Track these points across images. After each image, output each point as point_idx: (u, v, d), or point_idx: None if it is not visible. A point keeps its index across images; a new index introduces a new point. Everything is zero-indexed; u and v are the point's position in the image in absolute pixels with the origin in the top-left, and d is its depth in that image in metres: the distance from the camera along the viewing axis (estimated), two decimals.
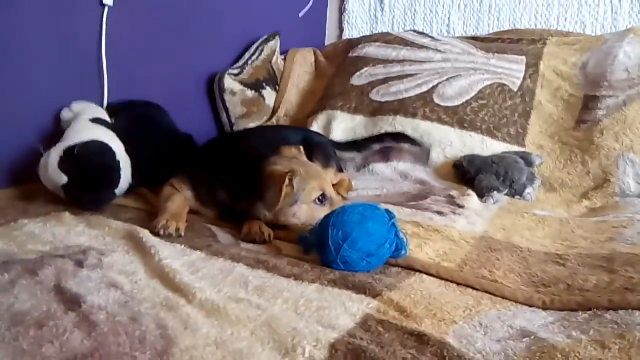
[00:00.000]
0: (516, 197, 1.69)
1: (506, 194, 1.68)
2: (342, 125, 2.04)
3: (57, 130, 1.51)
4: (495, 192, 1.64)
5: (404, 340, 0.80)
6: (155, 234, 1.15)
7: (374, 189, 1.71)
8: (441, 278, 1.05)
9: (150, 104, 1.70)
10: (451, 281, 1.04)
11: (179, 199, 1.32)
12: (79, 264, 0.97)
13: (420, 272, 1.07)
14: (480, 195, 1.63)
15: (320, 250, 1.05)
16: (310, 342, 0.77)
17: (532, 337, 0.84)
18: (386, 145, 1.93)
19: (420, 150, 1.87)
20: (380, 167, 1.93)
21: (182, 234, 1.19)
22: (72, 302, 0.83)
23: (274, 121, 2.19)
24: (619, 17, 2.34)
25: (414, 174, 1.88)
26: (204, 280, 0.96)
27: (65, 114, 1.56)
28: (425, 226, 1.31)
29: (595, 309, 0.92)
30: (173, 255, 1.04)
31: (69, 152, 1.25)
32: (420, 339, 0.81)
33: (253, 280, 0.97)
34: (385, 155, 1.94)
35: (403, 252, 1.10)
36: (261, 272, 1.02)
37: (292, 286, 0.96)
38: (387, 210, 1.11)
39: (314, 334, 0.80)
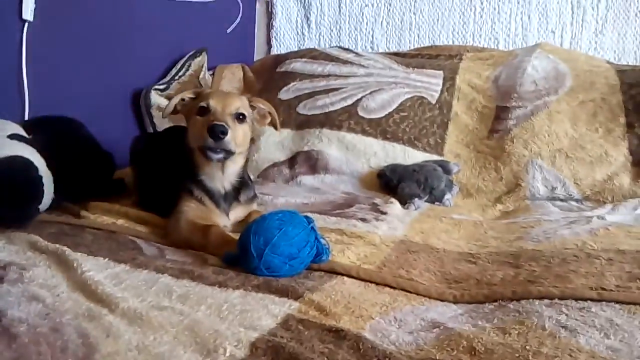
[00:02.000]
0: (436, 203, 1.78)
1: (427, 201, 1.77)
2: (271, 139, 2.09)
3: None
4: (416, 199, 1.72)
5: (323, 336, 0.85)
6: None
7: (302, 198, 1.76)
8: (361, 279, 1.10)
9: (67, 119, 1.67)
10: (370, 281, 1.10)
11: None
12: None
13: (342, 274, 1.12)
14: (403, 203, 1.70)
15: (244, 258, 1.08)
16: (231, 343, 0.80)
17: (442, 327, 0.90)
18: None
19: None
20: (308, 179, 1.98)
21: None
22: None
23: None
24: (528, 33, 2.52)
25: (340, 185, 1.94)
26: (127, 291, 0.97)
27: None
28: (349, 233, 1.37)
29: (500, 300, 1.00)
30: (96, 268, 1.04)
31: None
32: (338, 334, 0.85)
33: (177, 290, 0.99)
34: (313, 168, 1.99)
35: (324, 257, 1.15)
36: (186, 281, 1.04)
37: (217, 293, 0.99)
38: (306, 216, 1.16)
39: (235, 334, 0.83)
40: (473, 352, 0.82)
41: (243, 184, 1.44)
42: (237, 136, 1.32)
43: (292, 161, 2.04)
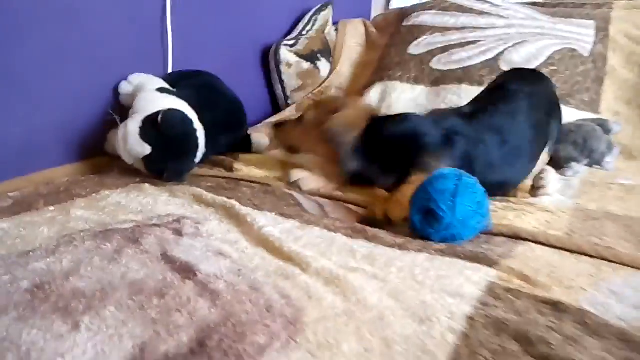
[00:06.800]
0: (594, 166, 1.61)
1: (585, 165, 1.60)
2: (403, 96, 1.97)
3: (118, 103, 1.49)
4: (573, 163, 1.56)
5: (541, 309, 0.75)
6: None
7: None
8: (552, 246, 0.99)
9: (206, 73, 1.65)
10: (563, 249, 0.98)
11: None
12: (178, 232, 0.93)
13: (528, 240, 1.01)
14: (558, 167, 1.55)
15: (428, 221, 0.99)
16: (443, 312, 0.73)
17: None
18: None
19: None
20: None
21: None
22: (185, 271, 0.79)
23: (331, 93, 2.12)
24: None
25: None
26: (308, 249, 0.91)
27: (124, 87, 1.52)
28: (514, 200, 1.25)
29: None
30: (270, 223, 1.00)
31: (149, 121, 1.20)
32: (557, 307, 0.76)
33: (359, 249, 0.93)
34: None
35: (489, 220, 1.04)
36: (362, 242, 0.97)
37: (401, 255, 0.91)
38: None
39: (444, 303, 0.75)
40: None
41: None
42: None
43: None
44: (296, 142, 1.33)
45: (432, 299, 0.76)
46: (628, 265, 0.93)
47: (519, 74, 1.54)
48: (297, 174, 1.20)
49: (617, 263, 0.94)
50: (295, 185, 1.17)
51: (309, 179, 1.21)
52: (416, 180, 1.10)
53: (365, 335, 0.68)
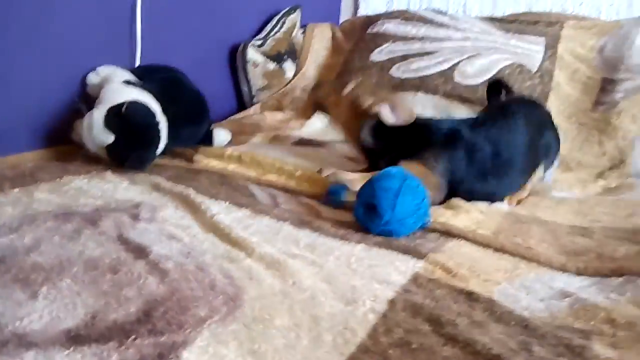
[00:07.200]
0: None
1: None
2: None
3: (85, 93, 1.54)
4: None
5: (455, 297, 0.85)
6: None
7: None
8: (478, 243, 1.09)
9: (171, 68, 1.71)
10: (488, 247, 1.09)
11: None
12: (135, 217, 1.01)
13: (458, 237, 1.11)
14: None
15: (369, 215, 1.08)
16: (369, 296, 0.82)
17: (573, 297, 0.89)
18: None
19: None
20: None
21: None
22: (138, 251, 0.87)
23: (296, 94, 2.20)
24: (634, 3, 2.38)
25: None
26: (256, 236, 0.99)
27: (92, 78, 1.57)
28: (454, 205, 1.35)
29: (627, 275, 0.97)
30: (221, 212, 1.07)
31: (114, 111, 1.26)
32: (470, 296, 0.86)
33: (303, 238, 1.02)
34: None
35: (428, 218, 1.15)
36: (308, 231, 1.06)
37: (340, 245, 1.01)
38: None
39: (371, 288, 0.84)
40: (613, 324, 0.81)
41: None
42: None
43: None
44: (329, 106, 1.52)
45: (361, 284, 0.85)
46: (543, 264, 1.04)
47: (519, 99, 1.72)
48: (329, 170, 1.39)
49: (534, 261, 1.04)
50: (331, 177, 1.35)
51: (338, 172, 1.38)
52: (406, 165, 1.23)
53: (296, 313, 0.76)
